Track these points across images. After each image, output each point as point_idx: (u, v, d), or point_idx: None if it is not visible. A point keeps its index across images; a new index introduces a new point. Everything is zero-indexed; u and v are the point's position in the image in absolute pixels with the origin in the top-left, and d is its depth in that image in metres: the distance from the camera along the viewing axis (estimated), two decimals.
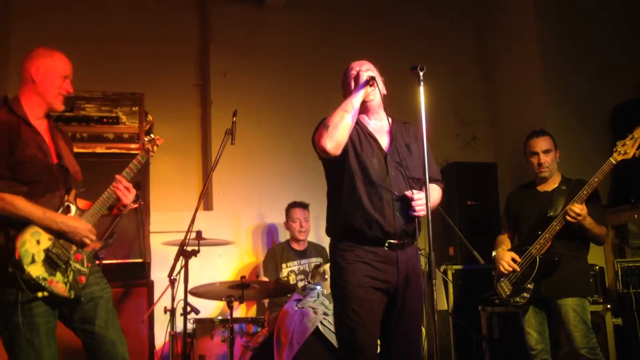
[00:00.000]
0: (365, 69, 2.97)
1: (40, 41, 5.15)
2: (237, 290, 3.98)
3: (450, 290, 5.06)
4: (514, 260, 3.76)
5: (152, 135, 3.13)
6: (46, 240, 2.64)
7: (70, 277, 2.67)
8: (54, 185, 2.77)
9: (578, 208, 3.52)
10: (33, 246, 2.59)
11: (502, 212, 4.30)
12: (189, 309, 3.81)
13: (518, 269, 3.74)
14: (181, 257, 3.73)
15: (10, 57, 5.23)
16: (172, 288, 3.84)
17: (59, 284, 2.62)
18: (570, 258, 3.69)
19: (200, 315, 4.11)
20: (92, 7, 5.49)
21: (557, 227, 3.62)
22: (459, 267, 5.15)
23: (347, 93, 2.97)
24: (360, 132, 2.95)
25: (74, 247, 2.73)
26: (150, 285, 4.47)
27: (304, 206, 4.98)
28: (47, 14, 5.38)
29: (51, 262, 2.63)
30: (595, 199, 3.70)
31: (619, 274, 4.47)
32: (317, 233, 5.21)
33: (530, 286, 3.68)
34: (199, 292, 4.05)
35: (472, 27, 6.39)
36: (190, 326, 4.14)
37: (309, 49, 5.82)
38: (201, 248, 3.93)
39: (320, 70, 5.61)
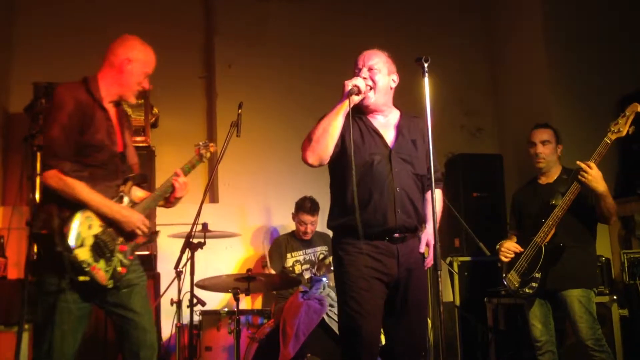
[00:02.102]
0: (370, 66, 2.93)
1: (43, 33, 5.27)
2: (243, 283, 3.99)
3: (456, 281, 5.06)
4: (518, 251, 3.76)
5: (207, 141, 3.19)
6: (97, 227, 2.67)
7: (113, 267, 2.69)
8: (113, 174, 2.80)
9: (593, 165, 3.47)
10: (85, 230, 2.61)
11: (508, 213, 4.27)
12: (195, 301, 3.83)
13: (520, 249, 3.74)
14: (187, 250, 3.74)
15: (14, 52, 5.25)
16: (179, 280, 3.86)
17: (100, 272, 2.63)
18: (576, 249, 3.67)
19: (206, 307, 4.13)
20: (95, 1, 5.49)
21: (559, 213, 3.59)
22: (464, 258, 5.15)
23: None
24: (363, 128, 2.93)
25: (120, 238, 2.75)
26: (156, 278, 4.50)
27: (312, 211, 4.88)
28: (51, 6, 5.38)
29: (98, 249, 2.64)
30: None
31: (626, 265, 4.46)
32: (322, 223, 5.20)
33: (537, 275, 3.67)
34: (205, 285, 4.07)
35: (478, 18, 6.36)
36: (196, 318, 4.16)
37: (314, 40, 5.80)
38: (207, 240, 3.95)
39: (325, 60, 5.60)
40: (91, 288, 2.66)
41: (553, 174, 3.89)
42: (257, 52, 5.66)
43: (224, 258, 5.26)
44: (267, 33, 5.75)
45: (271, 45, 5.72)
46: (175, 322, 3.97)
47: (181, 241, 3.78)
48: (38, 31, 5.32)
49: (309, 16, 5.88)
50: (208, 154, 3.16)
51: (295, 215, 4.96)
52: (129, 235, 2.76)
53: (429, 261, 2.97)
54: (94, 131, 2.71)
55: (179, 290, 3.91)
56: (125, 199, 2.80)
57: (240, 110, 3.66)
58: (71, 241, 2.56)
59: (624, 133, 3.47)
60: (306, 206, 4.88)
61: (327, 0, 5.95)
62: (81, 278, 2.59)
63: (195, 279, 3.81)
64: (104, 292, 2.72)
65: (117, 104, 2.92)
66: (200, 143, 3.16)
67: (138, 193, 2.95)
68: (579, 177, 3.50)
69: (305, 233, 4.92)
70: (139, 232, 2.77)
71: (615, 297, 4.23)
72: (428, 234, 2.95)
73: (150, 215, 2.94)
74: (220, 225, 4.46)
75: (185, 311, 3.86)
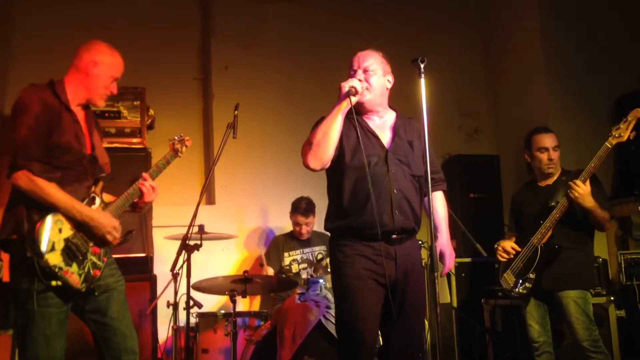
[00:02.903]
0: (365, 67, 2.93)
1: (42, 33, 5.25)
2: (240, 285, 3.98)
3: (453, 283, 5.06)
4: (515, 252, 3.77)
5: (182, 135, 3.11)
6: (68, 230, 2.63)
7: (86, 270, 2.64)
8: (83, 175, 2.76)
9: (580, 183, 3.51)
10: (55, 234, 2.58)
11: (508, 214, 4.27)
12: (191, 303, 3.82)
13: (517, 248, 3.75)
14: (184, 252, 3.73)
15: (12, 51, 5.24)
16: (175, 282, 3.84)
17: (73, 275, 2.60)
18: (573, 250, 3.68)
19: (203, 309, 4.12)
20: (93, 1, 5.48)
21: (557, 215, 3.61)
22: (461, 259, 5.14)
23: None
24: (360, 129, 2.90)
25: (93, 240, 2.71)
26: (153, 280, 4.48)
27: (307, 213, 4.87)
28: (49, 7, 5.37)
29: (69, 252, 2.61)
30: (596, 185, 3.67)
31: (622, 265, 4.47)
32: (320, 224, 5.19)
33: (532, 276, 3.68)
34: (202, 287, 4.05)
35: (475, 19, 6.36)
36: (193, 320, 4.15)
37: (310, 42, 5.80)
38: (203, 242, 3.94)
39: (322, 62, 5.59)
40: (65, 292, 2.62)
41: (553, 176, 3.90)
42: (253, 54, 5.65)
43: (221, 260, 5.24)
44: (263, 35, 5.74)
45: (268, 47, 5.71)
46: (171, 324, 3.95)
47: (177, 243, 3.77)
48: (36, 31, 5.30)
49: (305, 18, 5.87)
50: (184, 149, 3.09)
51: (291, 216, 4.97)
52: (100, 239, 2.71)
53: (445, 272, 3.02)
54: (61, 133, 2.68)
55: (175, 293, 3.89)
56: (97, 200, 2.77)
57: (236, 112, 3.66)
58: (42, 246, 2.52)
59: (625, 138, 3.48)
60: (300, 207, 4.87)
61: (324, 2, 5.94)
62: (53, 283, 2.55)
63: (192, 281, 3.80)
64: (80, 297, 2.69)
65: (85, 107, 2.89)
66: (176, 137, 3.09)
67: (105, 197, 2.91)
68: (568, 192, 3.54)
69: (301, 234, 4.92)
70: (109, 237, 2.72)
71: (612, 298, 4.24)
72: (441, 244, 2.97)
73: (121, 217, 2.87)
74: (217, 227, 4.45)
75: (182, 313, 3.85)
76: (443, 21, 6.21)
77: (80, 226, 2.67)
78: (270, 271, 4.77)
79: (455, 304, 5.03)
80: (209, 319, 4.24)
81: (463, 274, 5.10)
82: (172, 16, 5.68)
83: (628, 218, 5.02)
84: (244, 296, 4.05)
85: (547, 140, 3.86)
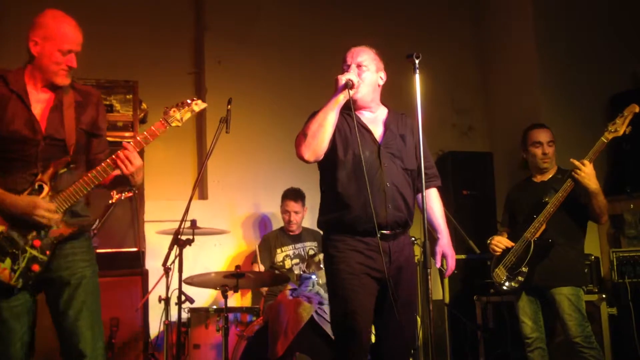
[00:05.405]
0: (358, 62, 2.93)
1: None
2: (232, 280, 3.97)
3: (446, 279, 5.06)
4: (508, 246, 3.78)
5: (189, 102, 2.86)
6: None
7: (22, 265, 2.50)
8: (30, 164, 2.57)
9: (586, 163, 3.50)
10: None
11: (502, 210, 4.28)
12: (183, 298, 3.81)
13: (510, 243, 3.75)
14: (175, 246, 3.72)
15: (2, 44, 5.19)
16: (167, 277, 3.83)
17: (5, 271, 2.47)
18: (565, 247, 3.69)
19: (194, 305, 4.11)
20: None
21: (551, 209, 3.62)
22: None
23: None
24: (352, 124, 2.88)
25: (33, 233, 2.54)
26: (144, 275, 4.47)
27: (296, 198, 4.89)
28: (39, 2, 5.32)
29: (0, 247, 2.49)
30: None
31: (614, 263, 4.48)
32: (312, 220, 5.19)
33: (524, 269, 3.69)
34: (194, 282, 4.04)
35: (469, 16, 6.36)
36: (184, 315, 4.14)
37: (304, 37, 5.78)
38: (196, 237, 3.92)
39: (315, 58, 5.58)
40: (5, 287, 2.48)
41: (549, 173, 3.92)
42: (247, 49, 5.63)
43: (213, 255, 5.23)
44: (257, 30, 5.71)
45: (261, 42, 5.68)
46: (163, 319, 3.93)
47: (169, 238, 3.75)
48: (24, 29, 5.25)
49: (299, 14, 5.85)
50: (183, 114, 2.88)
51: (281, 205, 4.97)
52: (36, 225, 2.51)
53: (449, 273, 3.08)
54: (7, 122, 2.53)
55: (167, 288, 3.88)
56: (46, 188, 2.56)
57: (229, 106, 3.64)
58: None
59: (621, 133, 3.50)
60: (290, 193, 4.91)
61: None
62: None
63: (184, 276, 3.79)
64: (9, 292, 2.52)
65: (55, 87, 2.67)
66: (185, 104, 2.88)
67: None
68: (573, 173, 3.52)
69: (290, 222, 4.90)
70: (43, 220, 2.50)
71: (604, 296, 4.26)
72: (443, 245, 3.01)
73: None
74: (209, 222, 4.43)
75: (174, 308, 3.84)
76: (437, 19, 6.20)
77: (12, 218, 2.50)
78: (261, 269, 4.76)
79: (447, 300, 5.03)
80: (200, 315, 4.22)
81: (455, 271, 5.03)
82: (166, 10, 5.64)
83: (620, 216, 5.04)
84: (235, 291, 4.03)
85: (542, 135, 3.89)
